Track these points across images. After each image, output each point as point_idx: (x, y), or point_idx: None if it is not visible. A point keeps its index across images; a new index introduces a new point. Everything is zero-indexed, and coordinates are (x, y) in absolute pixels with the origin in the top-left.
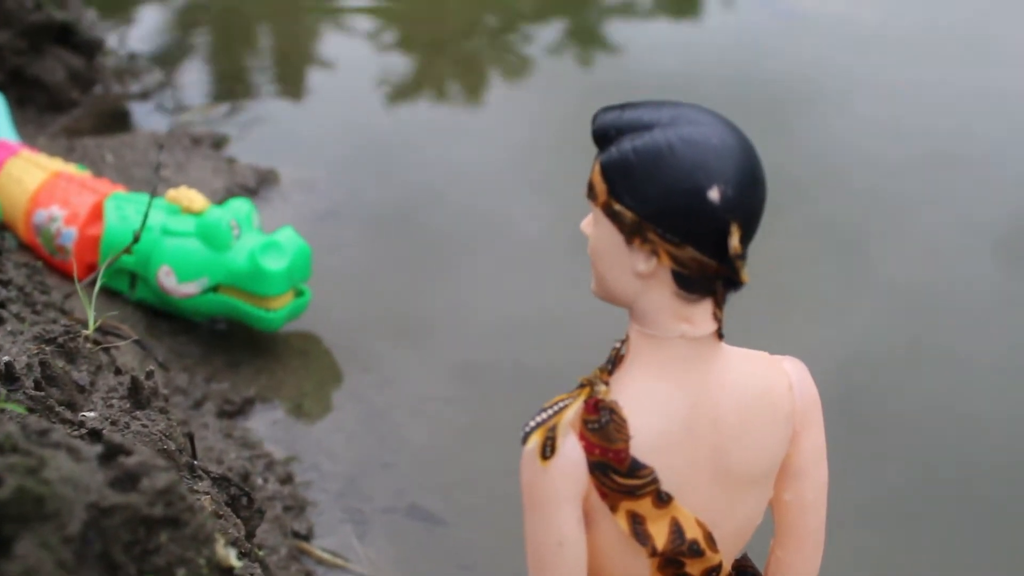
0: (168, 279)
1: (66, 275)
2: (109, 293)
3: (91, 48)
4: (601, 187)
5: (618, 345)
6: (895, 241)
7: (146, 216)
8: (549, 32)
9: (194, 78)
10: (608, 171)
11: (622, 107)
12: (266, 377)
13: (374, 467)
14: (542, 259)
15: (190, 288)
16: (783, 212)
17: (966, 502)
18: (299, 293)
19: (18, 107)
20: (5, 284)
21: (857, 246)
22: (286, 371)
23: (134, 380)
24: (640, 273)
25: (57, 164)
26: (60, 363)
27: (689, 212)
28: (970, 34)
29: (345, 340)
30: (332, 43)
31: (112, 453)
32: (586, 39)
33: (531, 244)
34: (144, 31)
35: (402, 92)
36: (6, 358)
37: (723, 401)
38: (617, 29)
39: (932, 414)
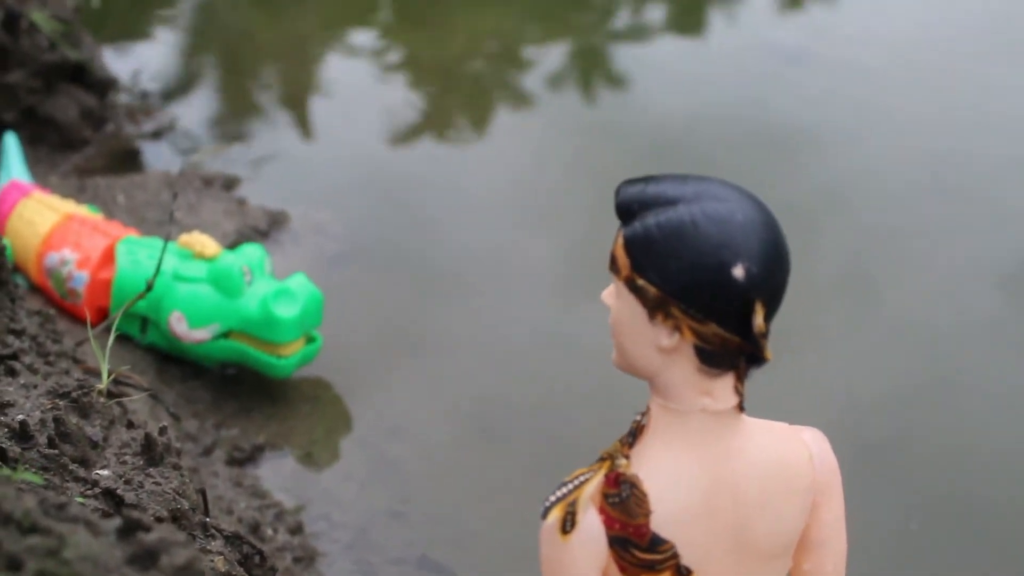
0: (180, 325)
1: (77, 318)
2: (119, 337)
3: (104, 87)
4: (624, 261)
5: (638, 417)
6: (904, 276)
7: (159, 263)
8: (552, 63)
9: (204, 116)
10: (631, 246)
11: (645, 180)
12: (276, 424)
13: (384, 518)
14: (561, 293)
15: (201, 334)
16: (790, 248)
17: (984, 540)
18: (310, 339)
19: (30, 145)
20: (18, 334)
21: (865, 281)
22: (296, 417)
23: (148, 437)
24: (663, 348)
25: (69, 206)
26: (74, 418)
27: (713, 289)
28: (973, 69)
29: (355, 386)
30: (336, 75)
31: (131, 527)
32: (590, 70)
33: (546, 279)
34: (155, 68)
35: (406, 125)
36: (20, 417)
37: (744, 474)
38: (621, 60)
39: (947, 452)
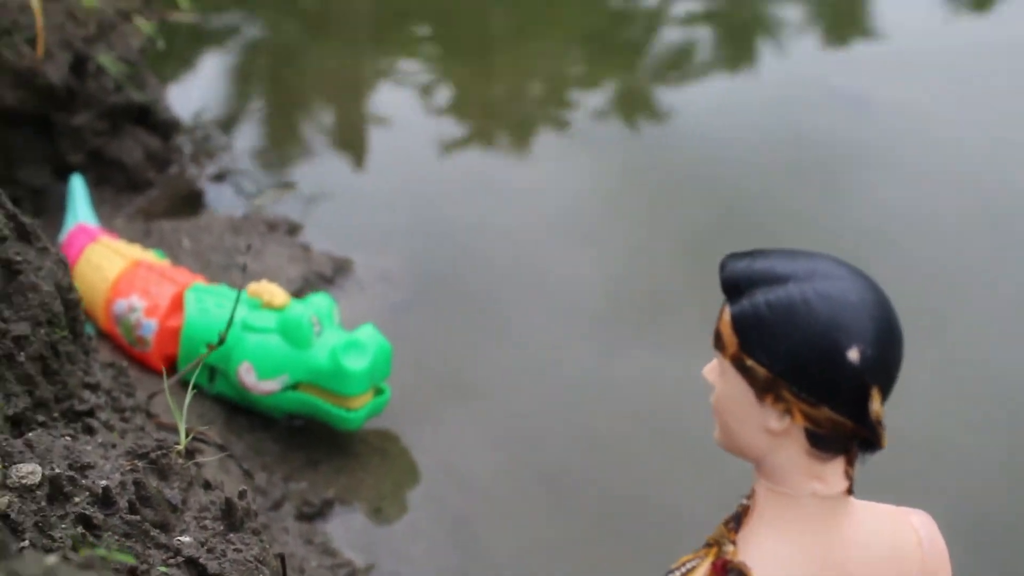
0: (249, 376)
1: (145, 366)
2: (187, 385)
3: (167, 128)
4: (731, 340)
5: (745, 501)
6: (955, 311)
7: (232, 316)
8: (596, 96)
9: (264, 157)
10: (740, 325)
11: (752, 256)
12: (345, 477)
13: None
14: (635, 334)
15: (270, 385)
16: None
17: None
18: (379, 391)
19: (95, 187)
20: (93, 388)
21: (916, 316)
22: (365, 471)
23: (229, 503)
24: (771, 430)
25: (136, 251)
26: (153, 481)
27: (826, 372)
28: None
29: (422, 437)
30: (387, 111)
31: None
32: (635, 104)
33: (606, 317)
34: (215, 109)
35: (457, 161)
36: (104, 483)
37: (852, 559)
38: (666, 94)
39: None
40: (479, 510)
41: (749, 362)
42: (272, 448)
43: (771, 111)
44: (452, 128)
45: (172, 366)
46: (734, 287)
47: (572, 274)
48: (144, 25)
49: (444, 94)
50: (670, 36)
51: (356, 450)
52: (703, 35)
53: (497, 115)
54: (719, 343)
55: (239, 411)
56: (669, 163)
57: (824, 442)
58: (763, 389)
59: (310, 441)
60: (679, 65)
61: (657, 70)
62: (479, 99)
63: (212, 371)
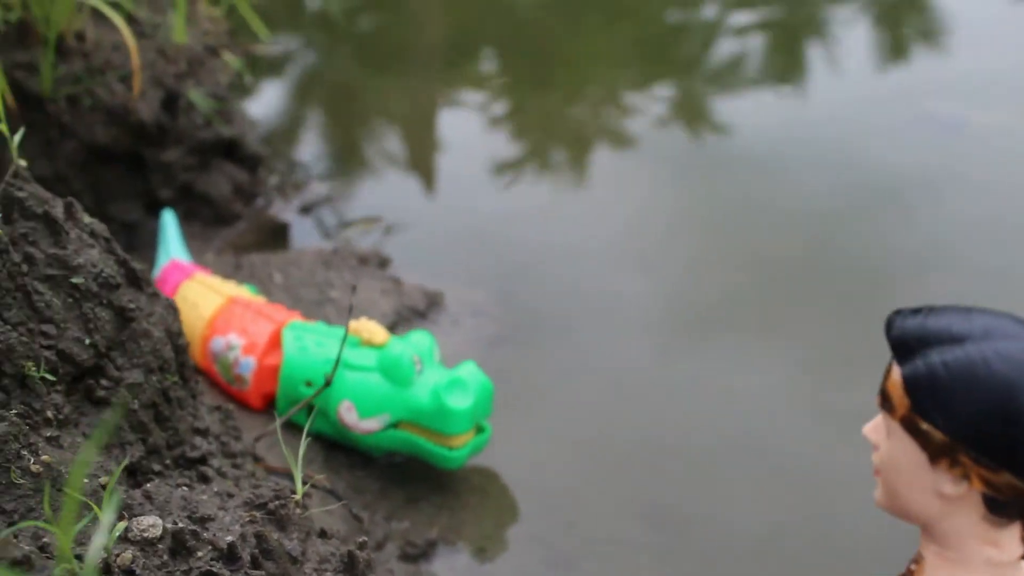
0: (349, 415)
1: (241, 404)
2: (285, 425)
3: (254, 162)
4: (902, 401)
5: (912, 567)
6: None
7: (339, 357)
8: (655, 112)
9: (345, 188)
10: (913, 386)
11: (924, 313)
12: (447, 516)
13: None
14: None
15: (372, 424)
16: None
17: None
18: (480, 429)
19: (185, 221)
20: (203, 434)
21: None
22: (465, 510)
23: (351, 556)
24: (945, 495)
25: (231, 288)
26: (273, 532)
27: (1009, 437)
28: None
29: (523, 476)
30: (450, 135)
31: None
32: (693, 118)
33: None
34: (301, 142)
35: (522, 183)
36: (229, 538)
37: None
38: (723, 104)
39: None
40: (587, 550)
41: (924, 425)
42: (372, 486)
43: (831, 124)
44: (511, 150)
45: (269, 404)
46: (904, 346)
47: (642, 292)
48: (232, 60)
49: (503, 117)
50: (730, 48)
51: (456, 488)
52: (764, 47)
53: (557, 135)
54: (886, 403)
55: (337, 448)
56: (733, 178)
57: (1003, 508)
58: (938, 453)
59: (410, 479)
60: (740, 79)
61: (718, 84)
62: (538, 121)
63: (310, 409)
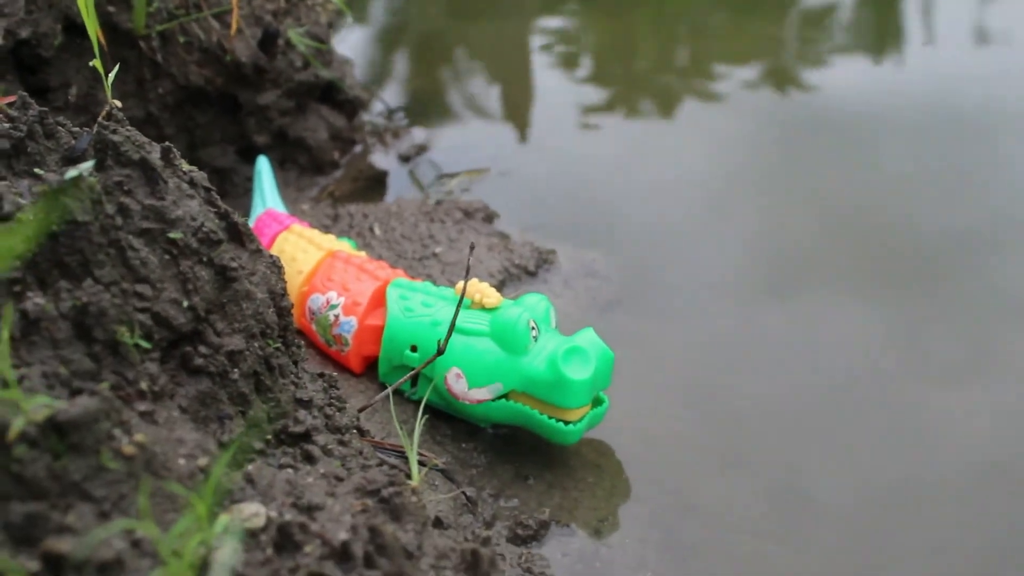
0: (458, 383)
1: (341, 366)
2: (383, 387)
3: (353, 107)
4: None
5: None
6: None
7: (453, 323)
8: (741, 64)
9: (445, 138)
10: None
11: None
12: (559, 495)
13: None
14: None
15: (482, 394)
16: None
17: None
18: (598, 401)
19: (280, 168)
20: (307, 405)
21: None
22: (579, 488)
23: (475, 554)
24: None
25: (330, 241)
26: (388, 524)
27: None
28: None
29: (642, 452)
30: (537, 83)
31: None
32: (778, 78)
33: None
34: (399, 88)
35: (609, 131)
36: (344, 535)
37: None
38: (811, 71)
39: None
40: (710, 539)
41: None
42: (479, 460)
43: (918, 73)
44: (596, 101)
45: (369, 368)
46: None
47: (749, 251)
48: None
49: (587, 63)
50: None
51: (569, 464)
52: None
53: (641, 85)
54: None
55: (441, 417)
56: (823, 128)
57: None
58: None
59: (518, 452)
60: (835, 31)
61: (811, 37)
62: (622, 69)
63: (415, 375)
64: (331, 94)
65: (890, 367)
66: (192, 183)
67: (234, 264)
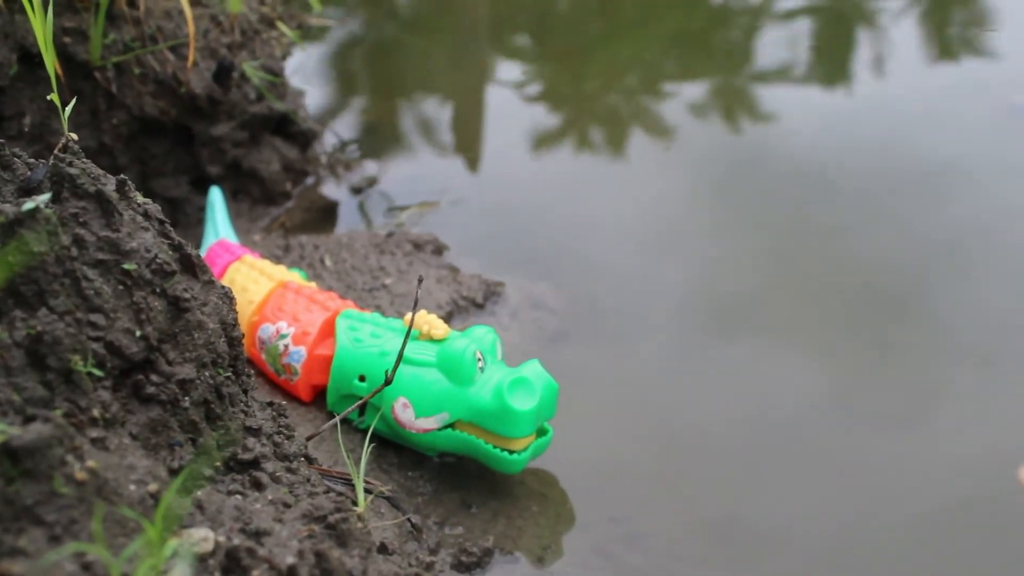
0: (405, 412)
1: (290, 395)
2: (331, 416)
3: (306, 138)
4: None
5: None
6: None
7: (400, 353)
8: (692, 98)
9: (397, 171)
10: None
11: None
12: (503, 523)
13: None
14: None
15: (428, 423)
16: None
17: None
18: (542, 432)
19: (232, 199)
20: (256, 433)
21: None
22: (523, 517)
23: None
24: None
25: (281, 272)
26: (334, 550)
27: None
28: None
29: (584, 482)
30: (490, 116)
31: None
32: (731, 106)
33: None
34: (351, 119)
35: (559, 164)
36: (290, 559)
37: None
38: (764, 95)
39: None
40: (649, 565)
41: None
42: (425, 488)
43: (870, 115)
44: (548, 131)
45: (318, 397)
46: None
47: (697, 286)
48: (291, 32)
49: (540, 98)
50: (774, 35)
51: (514, 493)
52: (811, 33)
53: (599, 118)
54: None
55: (387, 446)
56: (773, 166)
57: None
58: None
59: (463, 481)
60: (783, 69)
61: (759, 73)
62: (575, 103)
63: (363, 404)
64: (284, 126)
65: (833, 403)
66: (146, 215)
67: (187, 295)
